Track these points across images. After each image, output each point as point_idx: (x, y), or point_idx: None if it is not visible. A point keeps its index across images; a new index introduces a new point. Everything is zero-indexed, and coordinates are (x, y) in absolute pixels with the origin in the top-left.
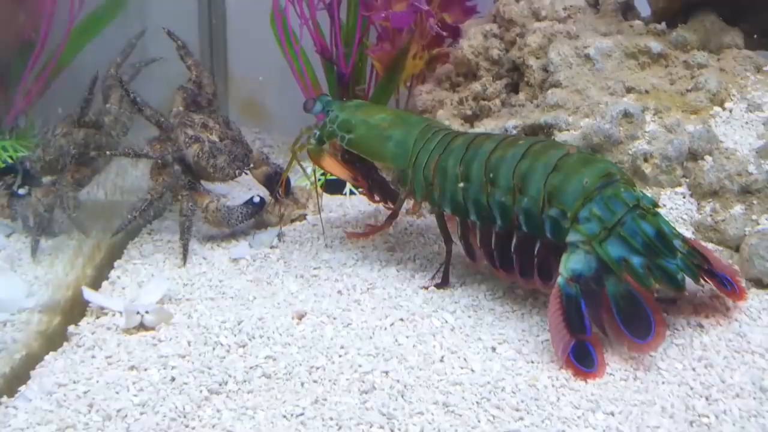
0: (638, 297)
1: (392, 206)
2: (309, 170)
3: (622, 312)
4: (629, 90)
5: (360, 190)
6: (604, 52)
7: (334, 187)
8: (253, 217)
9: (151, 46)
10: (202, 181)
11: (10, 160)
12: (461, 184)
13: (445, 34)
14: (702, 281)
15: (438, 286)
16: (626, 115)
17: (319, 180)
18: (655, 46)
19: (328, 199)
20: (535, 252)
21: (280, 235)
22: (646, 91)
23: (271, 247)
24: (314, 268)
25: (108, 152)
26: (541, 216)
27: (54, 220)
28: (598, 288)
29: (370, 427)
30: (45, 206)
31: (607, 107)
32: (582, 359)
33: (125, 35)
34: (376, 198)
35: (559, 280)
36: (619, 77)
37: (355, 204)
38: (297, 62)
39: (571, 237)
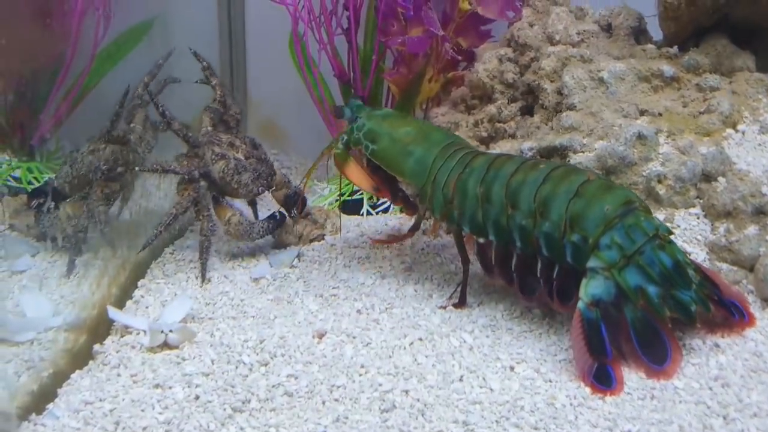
0: (655, 324)
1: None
2: (326, 191)
3: (640, 338)
4: (642, 113)
5: (373, 204)
6: (617, 75)
7: (351, 207)
8: (273, 232)
9: (175, 68)
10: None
11: (35, 182)
12: (486, 203)
13: (460, 58)
14: (713, 312)
15: (456, 305)
16: (640, 137)
17: (336, 201)
18: (668, 69)
19: (345, 219)
20: (554, 275)
21: (299, 255)
22: (660, 114)
23: (291, 267)
24: (333, 288)
25: (137, 168)
26: (563, 241)
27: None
28: (617, 313)
29: None
30: (79, 226)
31: (621, 129)
32: (602, 379)
33: (149, 59)
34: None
35: (580, 304)
36: (633, 100)
37: (372, 224)
38: (315, 86)
39: (592, 263)
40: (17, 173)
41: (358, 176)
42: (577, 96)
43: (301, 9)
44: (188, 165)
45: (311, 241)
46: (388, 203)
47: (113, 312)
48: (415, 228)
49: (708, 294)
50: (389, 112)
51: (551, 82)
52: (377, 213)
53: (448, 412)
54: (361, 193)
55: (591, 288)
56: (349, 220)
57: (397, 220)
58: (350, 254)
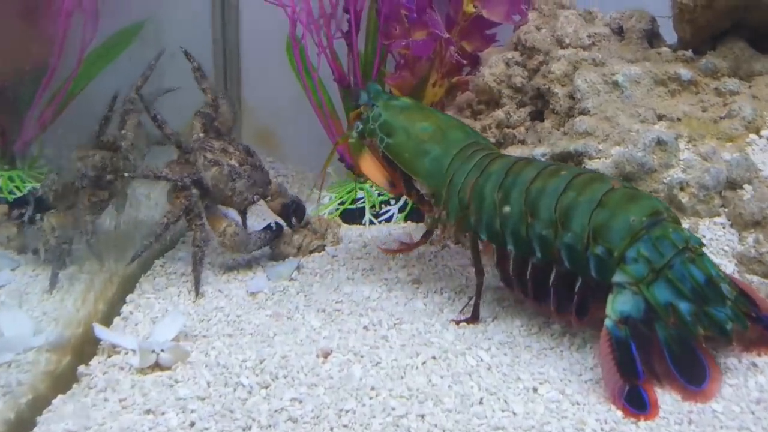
0: (690, 342)
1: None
2: (326, 199)
3: (674, 357)
4: (660, 117)
5: (376, 213)
6: (632, 78)
7: (352, 217)
8: (270, 243)
9: (168, 71)
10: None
11: (17, 191)
12: (504, 210)
13: (465, 62)
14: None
15: (468, 321)
16: (659, 142)
17: (337, 210)
18: (685, 73)
19: (346, 229)
20: (576, 289)
21: (298, 267)
22: (678, 119)
23: (290, 280)
24: (336, 302)
25: (126, 174)
26: (586, 253)
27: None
28: (648, 331)
29: None
30: (64, 238)
31: (639, 135)
32: (634, 402)
33: (140, 63)
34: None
35: (607, 322)
36: (649, 104)
37: (375, 234)
38: (315, 92)
39: (618, 278)
40: None
41: (371, 169)
42: (590, 100)
43: (299, 10)
44: (180, 172)
45: (311, 252)
46: (391, 212)
47: (100, 330)
48: (428, 234)
49: (745, 310)
50: (407, 103)
51: (562, 86)
52: (380, 222)
53: None
54: (363, 202)
55: (618, 304)
56: (350, 230)
57: (401, 228)
58: (353, 266)
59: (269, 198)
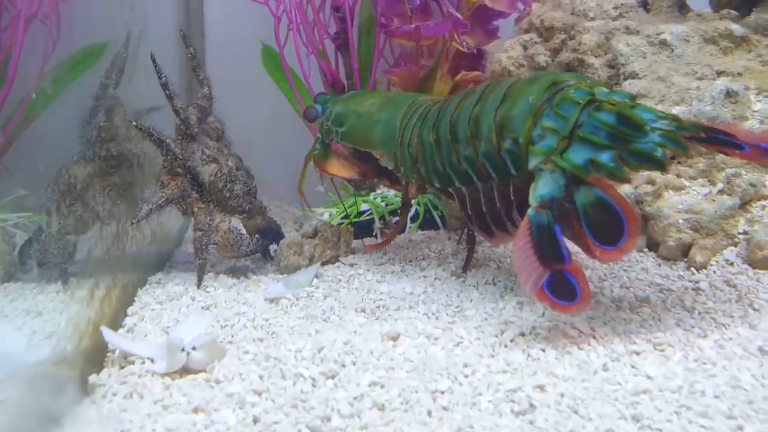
0: (610, 201)
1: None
2: (326, 215)
3: (591, 222)
4: (719, 74)
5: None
6: (681, 37)
7: (361, 230)
8: (265, 251)
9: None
10: None
11: None
12: (438, 148)
13: (474, 51)
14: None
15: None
16: (729, 94)
17: (344, 222)
18: (737, 28)
19: (358, 242)
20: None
21: (318, 275)
22: (739, 74)
23: (311, 287)
24: (376, 301)
25: (132, 122)
26: (500, 154)
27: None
28: (571, 206)
29: None
30: (67, 228)
31: (702, 91)
32: (562, 292)
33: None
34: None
35: (529, 212)
36: (704, 62)
37: (393, 243)
38: (308, 96)
39: (531, 162)
40: None
41: (339, 168)
42: (637, 63)
43: (281, 12)
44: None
45: (324, 263)
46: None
47: (111, 337)
48: (405, 207)
49: (690, 134)
50: (356, 92)
51: (596, 57)
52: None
53: (607, 406)
54: (371, 213)
55: (538, 189)
56: (361, 242)
57: (421, 234)
58: (380, 270)
59: (246, 215)
